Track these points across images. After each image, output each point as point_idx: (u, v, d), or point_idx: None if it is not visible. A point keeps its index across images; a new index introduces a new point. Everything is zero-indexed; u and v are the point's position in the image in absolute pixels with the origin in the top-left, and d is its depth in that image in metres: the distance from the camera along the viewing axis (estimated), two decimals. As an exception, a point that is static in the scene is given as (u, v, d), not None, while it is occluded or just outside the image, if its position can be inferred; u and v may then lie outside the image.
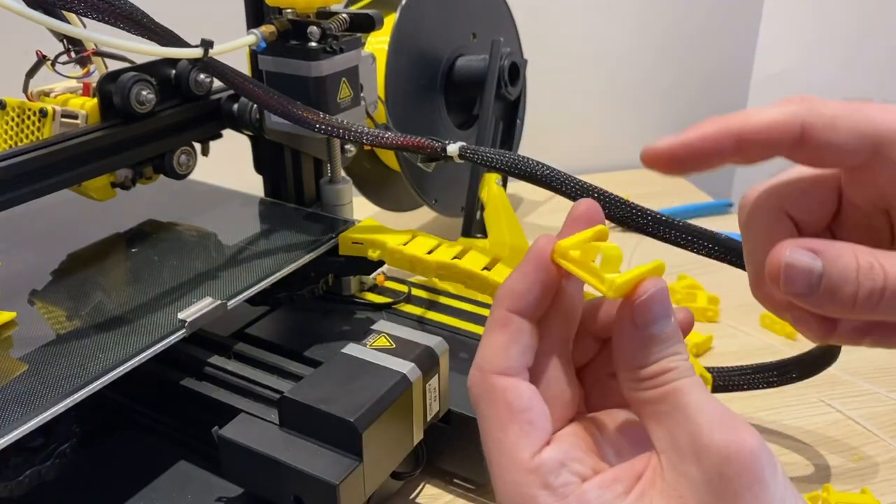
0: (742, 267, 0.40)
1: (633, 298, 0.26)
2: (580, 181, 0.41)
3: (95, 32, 0.41)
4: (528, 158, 0.44)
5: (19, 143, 0.50)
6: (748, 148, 0.26)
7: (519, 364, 0.27)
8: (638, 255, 0.80)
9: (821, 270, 0.24)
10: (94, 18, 0.41)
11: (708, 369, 0.48)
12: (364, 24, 0.52)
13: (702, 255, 0.40)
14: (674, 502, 0.24)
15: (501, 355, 0.27)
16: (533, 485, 0.25)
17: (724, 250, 0.41)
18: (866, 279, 0.24)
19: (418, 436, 0.43)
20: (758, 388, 0.52)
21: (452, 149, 0.44)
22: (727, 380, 0.51)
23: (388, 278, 0.61)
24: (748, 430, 0.24)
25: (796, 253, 0.24)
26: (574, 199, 0.41)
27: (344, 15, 0.51)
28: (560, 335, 0.29)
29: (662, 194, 0.94)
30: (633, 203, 0.41)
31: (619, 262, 0.26)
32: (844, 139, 0.25)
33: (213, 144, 0.58)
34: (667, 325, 0.26)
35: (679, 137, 0.26)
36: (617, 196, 0.41)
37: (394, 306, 0.58)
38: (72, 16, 0.47)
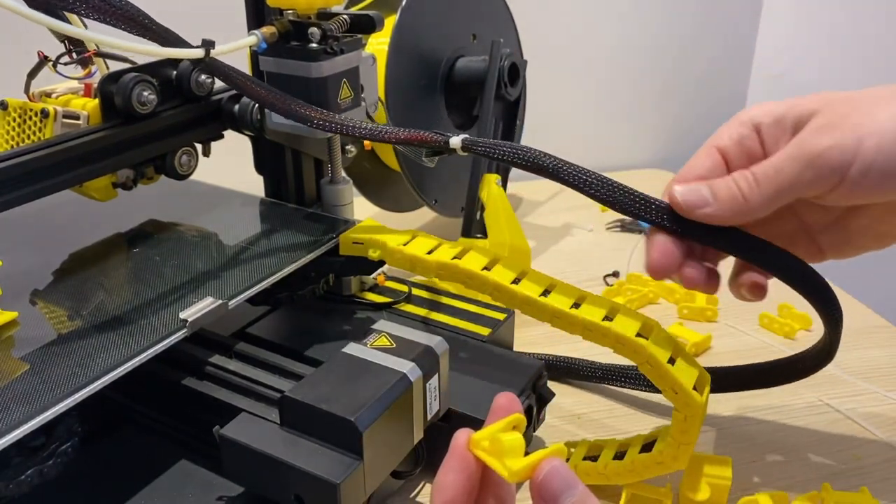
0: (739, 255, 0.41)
1: (534, 479, 0.30)
2: (588, 171, 0.41)
3: (96, 33, 0.41)
4: (532, 149, 0.43)
5: (21, 144, 0.51)
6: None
7: None
8: (638, 254, 0.80)
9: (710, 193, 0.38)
10: (95, 19, 0.41)
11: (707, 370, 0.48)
12: (364, 25, 0.52)
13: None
14: None
15: None
16: None
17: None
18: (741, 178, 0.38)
19: (418, 435, 0.43)
20: (755, 388, 0.52)
21: (455, 141, 0.44)
22: (725, 380, 0.52)
23: (388, 278, 0.61)
24: None
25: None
26: (580, 189, 0.41)
27: (344, 16, 0.52)
28: None
29: (660, 195, 0.94)
30: (637, 192, 0.41)
31: (522, 450, 0.32)
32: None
33: (214, 145, 0.58)
34: (574, 494, 0.30)
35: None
36: (619, 184, 0.41)
37: (394, 306, 0.58)
38: (73, 16, 0.47)
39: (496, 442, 0.32)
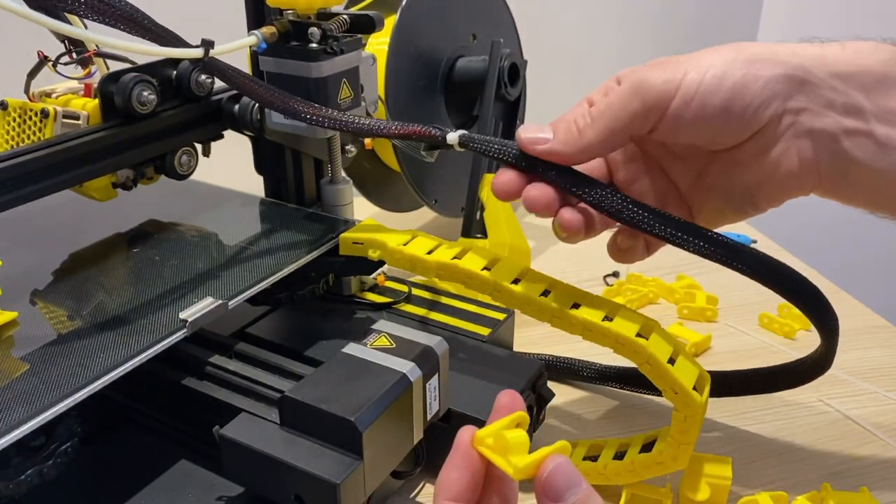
0: (734, 268, 0.40)
1: (538, 476, 0.30)
2: (583, 175, 0.41)
3: (96, 33, 0.41)
4: None
5: (21, 144, 0.51)
6: None
7: None
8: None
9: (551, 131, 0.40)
10: (94, 20, 0.41)
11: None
12: (364, 25, 0.52)
13: (691, 252, 0.40)
14: None
15: None
16: None
17: (718, 250, 0.40)
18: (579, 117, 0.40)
19: (418, 435, 0.43)
20: (757, 392, 0.52)
21: (452, 136, 0.44)
22: (725, 383, 0.52)
23: (388, 278, 0.61)
24: None
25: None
26: (575, 192, 0.41)
27: (344, 16, 0.52)
28: None
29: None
30: (630, 199, 0.41)
31: (526, 447, 0.32)
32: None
33: (214, 145, 0.58)
34: (578, 492, 0.30)
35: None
36: (615, 190, 0.41)
37: (394, 306, 0.58)
38: (73, 17, 0.47)
39: (500, 439, 0.32)
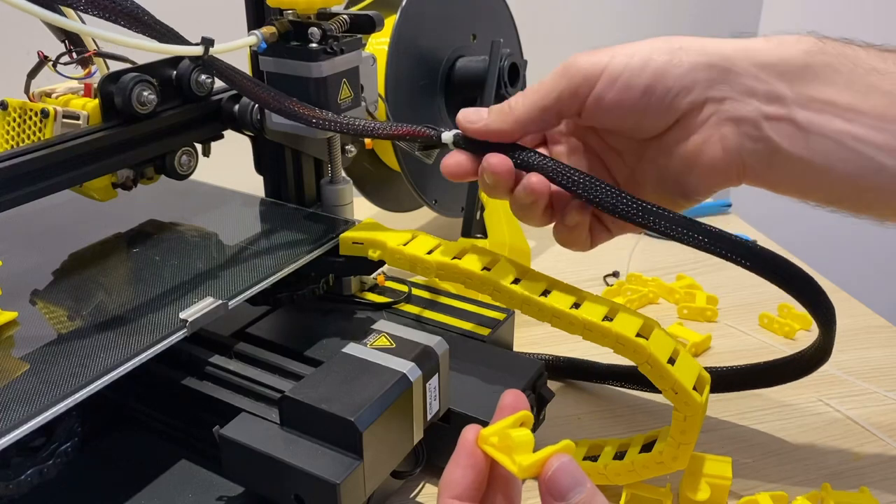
0: (734, 262, 0.40)
1: (543, 475, 0.30)
2: (582, 173, 0.41)
3: (96, 28, 0.41)
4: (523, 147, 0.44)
5: (21, 144, 0.51)
6: None
7: None
8: (638, 254, 0.80)
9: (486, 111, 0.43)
10: (95, 15, 0.41)
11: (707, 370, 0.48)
12: (364, 25, 0.52)
13: (691, 246, 0.41)
14: None
15: None
16: None
17: (717, 244, 0.40)
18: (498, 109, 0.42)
19: (418, 435, 0.43)
20: (755, 387, 0.52)
21: (447, 136, 0.45)
22: (724, 380, 0.52)
23: (388, 278, 0.61)
24: None
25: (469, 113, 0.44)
26: (573, 191, 0.42)
27: (344, 16, 0.52)
28: None
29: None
30: (629, 195, 0.41)
31: (531, 446, 0.31)
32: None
33: (214, 145, 0.58)
34: (582, 491, 0.30)
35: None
36: (613, 187, 0.41)
37: (394, 306, 0.58)
38: (71, 12, 0.47)
39: (505, 438, 0.32)
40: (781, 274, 0.41)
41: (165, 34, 0.43)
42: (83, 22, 0.47)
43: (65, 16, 0.46)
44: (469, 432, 0.33)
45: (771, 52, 0.40)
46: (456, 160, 0.43)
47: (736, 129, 0.40)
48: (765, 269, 0.41)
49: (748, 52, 0.40)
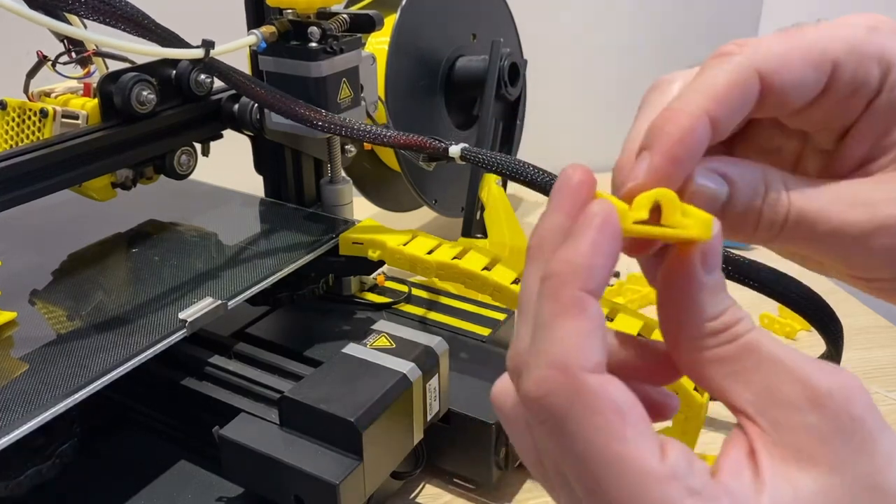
0: (738, 281, 0.40)
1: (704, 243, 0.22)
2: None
3: (96, 33, 0.41)
4: (529, 164, 0.44)
5: (20, 144, 0.50)
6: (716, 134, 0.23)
7: (604, 358, 0.21)
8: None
9: (725, 199, 0.23)
10: (94, 20, 0.41)
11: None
12: (364, 24, 0.52)
13: None
14: (805, 463, 0.21)
15: (587, 348, 0.21)
16: (680, 495, 0.20)
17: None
18: (769, 211, 0.23)
19: (418, 436, 0.43)
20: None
21: (455, 150, 0.44)
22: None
23: (388, 278, 0.61)
24: (844, 370, 0.22)
25: (703, 176, 0.22)
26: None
27: (344, 15, 0.52)
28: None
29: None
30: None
31: (678, 203, 0.21)
32: (802, 73, 0.22)
33: (213, 145, 0.58)
34: (720, 272, 0.22)
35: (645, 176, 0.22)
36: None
37: (394, 306, 0.58)
38: (73, 17, 0.47)
39: (671, 204, 0.21)
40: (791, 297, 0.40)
41: (165, 37, 0.43)
42: (84, 27, 0.47)
43: (69, 22, 0.46)
44: (607, 209, 0.21)
45: None
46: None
47: None
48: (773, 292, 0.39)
49: None
